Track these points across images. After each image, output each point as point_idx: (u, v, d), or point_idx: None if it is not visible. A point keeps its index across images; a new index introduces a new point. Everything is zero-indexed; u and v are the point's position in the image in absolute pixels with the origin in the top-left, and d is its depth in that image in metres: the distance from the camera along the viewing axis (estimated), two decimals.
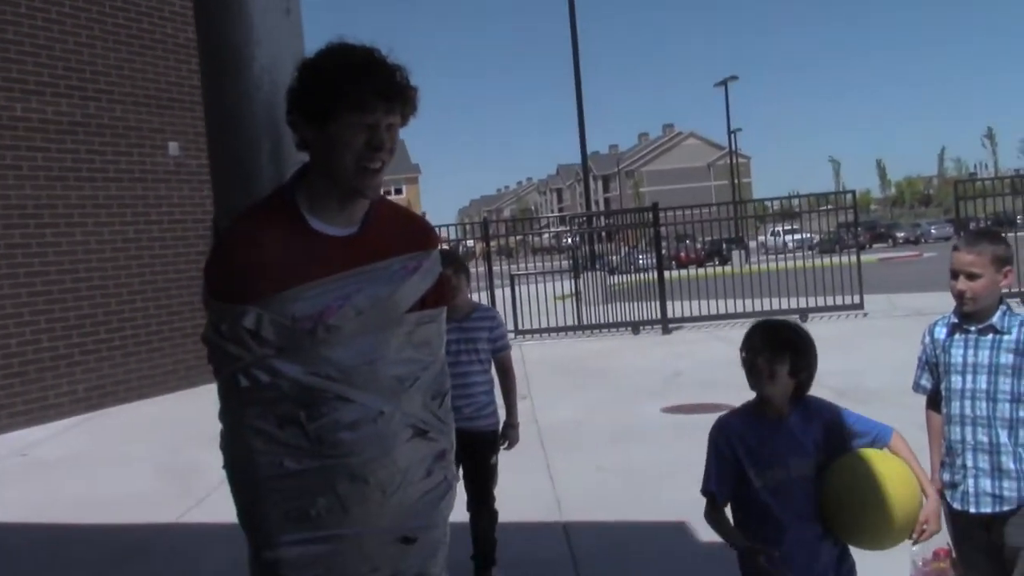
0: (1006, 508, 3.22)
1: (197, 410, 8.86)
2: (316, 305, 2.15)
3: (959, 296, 3.26)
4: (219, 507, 5.95)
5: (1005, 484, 3.21)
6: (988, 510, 3.25)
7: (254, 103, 2.42)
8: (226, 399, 2.23)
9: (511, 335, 16.08)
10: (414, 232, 2.40)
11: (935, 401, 3.47)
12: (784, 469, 2.91)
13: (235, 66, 2.43)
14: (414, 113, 2.26)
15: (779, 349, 2.91)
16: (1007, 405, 3.21)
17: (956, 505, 3.31)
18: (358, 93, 2.13)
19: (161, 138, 12.24)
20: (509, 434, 4.76)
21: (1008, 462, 3.20)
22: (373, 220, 2.30)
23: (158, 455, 8.54)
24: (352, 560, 2.19)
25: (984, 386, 3.25)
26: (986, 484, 3.24)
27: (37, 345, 10.50)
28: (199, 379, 11.59)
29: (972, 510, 3.27)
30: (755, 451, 2.93)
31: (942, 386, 3.39)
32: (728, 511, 3.06)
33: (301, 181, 2.26)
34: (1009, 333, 3.23)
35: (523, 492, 6.38)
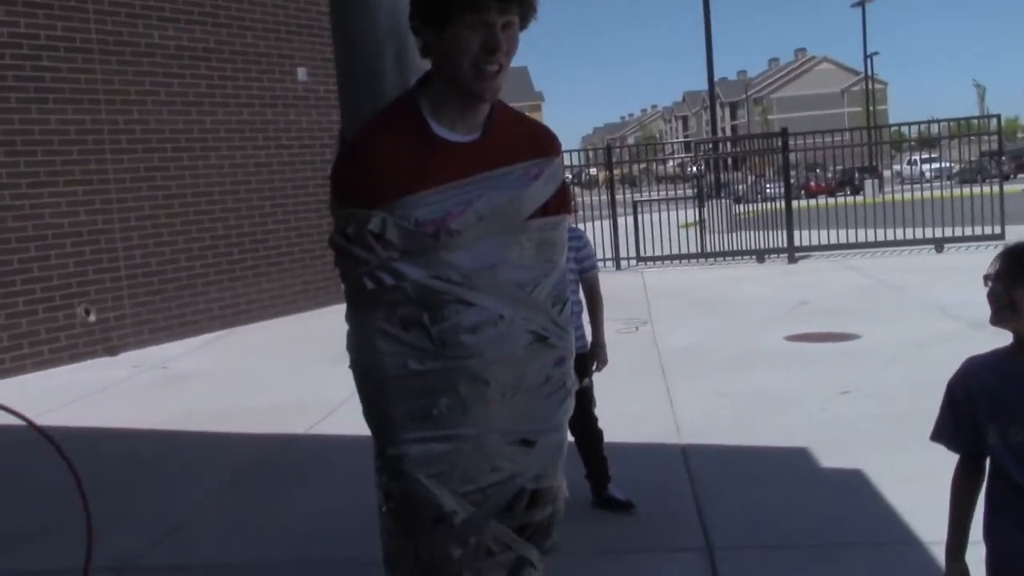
0: None
1: (325, 329, 9.15)
2: (438, 210, 2.17)
3: None
4: (346, 420, 6.16)
5: None
6: None
7: (378, 11, 2.44)
8: (353, 301, 2.28)
9: (633, 262, 16.04)
10: (536, 138, 2.39)
11: None
12: None
13: None
14: (534, 15, 2.21)
15: (1020, 273, 2.35)
16: None
17: None
18: None
19: (290, 64, 12.48)
20: (597, 353, 4.69)
21: None
22: (495, 126, 2.29)
23: (289, 371, 8.88)
24: (472, 459, 2.24)
25: None
26: None
27: (176, 264, 10.96)
28: (327, 300, 11.97)
29: None
30: (999, 402, 2.33)
31: None
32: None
33: (424, 88, 2.27)
34: None
35: (642, 415, 6.41)
